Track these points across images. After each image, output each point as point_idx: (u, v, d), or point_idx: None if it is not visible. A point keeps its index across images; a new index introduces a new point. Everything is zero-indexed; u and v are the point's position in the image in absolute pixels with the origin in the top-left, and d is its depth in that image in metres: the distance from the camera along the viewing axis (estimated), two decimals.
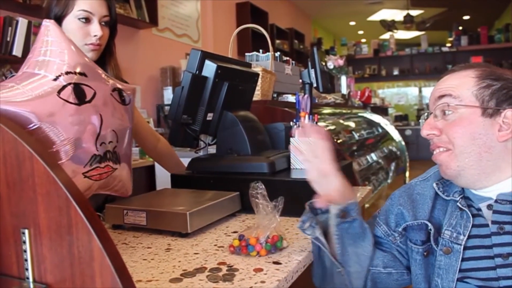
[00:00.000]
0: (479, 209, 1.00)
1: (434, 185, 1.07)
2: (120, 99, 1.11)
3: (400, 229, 1.06)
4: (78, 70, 1.00)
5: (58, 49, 1.00)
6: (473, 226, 0.98)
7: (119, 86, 1.13)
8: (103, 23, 1.44)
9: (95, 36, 1.41)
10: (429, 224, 1.03)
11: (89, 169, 1.01)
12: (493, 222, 0.96)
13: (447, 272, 0.98)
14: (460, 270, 0.96)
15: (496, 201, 0.98)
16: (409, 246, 1.06)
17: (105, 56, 1.53)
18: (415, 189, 1.11)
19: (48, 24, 1.01)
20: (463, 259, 0.97)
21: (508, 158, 0.99)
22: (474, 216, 0.99)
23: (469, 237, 0.97)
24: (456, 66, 1.09)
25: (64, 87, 0.96)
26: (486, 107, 0.98)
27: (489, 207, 0.99)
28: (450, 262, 0.98)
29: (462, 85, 1.01)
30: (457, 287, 0.96)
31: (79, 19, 1.40)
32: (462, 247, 0.97)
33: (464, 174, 0.99)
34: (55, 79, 0.97)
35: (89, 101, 1.00)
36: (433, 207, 1.06)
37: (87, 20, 1.41)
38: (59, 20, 1.42)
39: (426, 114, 1.09)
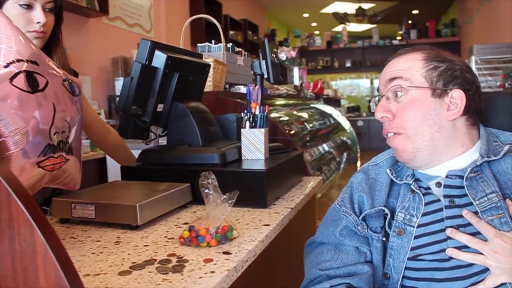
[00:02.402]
0: (428, 188, 1.05)
1: (388, 171, 1.10)
2: (71, 90, 1.09)
3: (360, 218, 1.08)
4: (28, 58, 0.97)
5: (3, 36, 0.96)
6: (425, 204, 1.02)
7: (68, 77, 1.10)
8: (47, 10, 1.39)
9: (38, 23, 1.36)
10: (386, 209, 1.05)
11: (43, 158, 0.99)
12: (445, 196, 1.01)
13: (398, 253, 1.01)
14: (412, 249, 1.00)
15: (446, 176, 1.03)
16: (369, 235, 1.07)
17: (50, 45, 1.48)
18: (370, 174, 1.14)
19: None
20: (415, 237, 1.00)
21: (457, 137, 1.04)
22: (424, 195, 1.03)
23: (421, 216, 1.02)
24: (401, 49, 1.13)
25: (16, 74, 0.93)
26: (435, 88, 1.03)
27: (438, 184, 1.04)
28: (402, 243, 1.02)
29: (411, 68, 1.05)
30: (411, 266, 1.00)
31: (20, 5, 1.34)
32: (415, 229, 1.01)
33: (419, 156, 1.04)
34: (6, 66, 0.93)
35: (42, 90, 0.97)
36: (389, 193, 1.09)
37: (29, 7, 1.35)
38: (0, 5, 1.35)
39: (377, 97, 1.13)
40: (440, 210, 1.01)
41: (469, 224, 0.97)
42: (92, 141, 1.81)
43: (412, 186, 1.05)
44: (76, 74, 1.65)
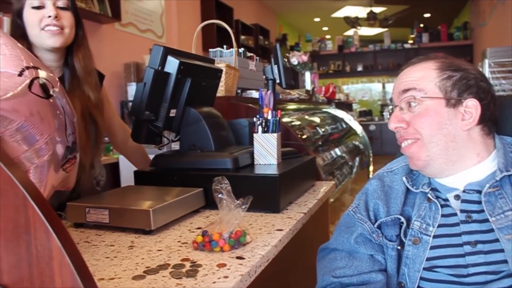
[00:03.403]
0: (446, 200, 1.04)
1: (404, 179, 1.09)
2: (64, 90, 1.10)
3: (375, 226, 1.07)
4: (32, 64, 0.97)
5: (3, 45, 0.96)
6: (442, 216, 1.01)
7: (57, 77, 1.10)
8: (59, 7, 1.44)
9: (49, 17, 1.41)
10: (402, 218, 1.04)
11: (65, 161, 1.00)
12: (462, 211, 1.00)
13: (414, 262, 1.00)
14: (428, 259, 0.99)
15: (464, 191, 1.01)
16: (384, 243, 1.06)
17: (72, 46, 1.51)
18: (385, 181, 1.12)
19: None
20: (431, 248, 0.99)
21: (472, 147, 1.03)
22: (442, 206, 1.02)
23: (437, 226, 1.00)
24: (415, 58, 1.12)
25: (31, 82, 0.94)
26: (449, 98, 1.01)
27: (456, 197, 1.02)
28: (417, 252, 1.00)
29: (425, 77, 1.04)
30: (427, 277, 0.99)
31: (32, 7, 1.42)
32: (431, 238, 1.00)
33: (433, 164, 1.03)
34: (19, 75, 0.93)
35: (52, 95, 0.98)
36: (405, 201, 1.08)
37: (41, 7, 1.42)
38: (20, 15, 1.43)
39: (390, 107, 1.12)
40: (457, 224, 1.00)
41: (488, 241, 0.96)
42: (113, 145, 1.84)
43: (428, 195, 1.04)
44: (101, 76, 1.68)
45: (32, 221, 0.62)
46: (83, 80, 1.52)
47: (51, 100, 0.97)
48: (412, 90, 1.04)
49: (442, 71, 1.03)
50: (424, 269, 0.99)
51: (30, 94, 0.92)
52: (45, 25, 1.41)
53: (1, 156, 0.64)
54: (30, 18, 1.42)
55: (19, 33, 1.44)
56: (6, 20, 3.09)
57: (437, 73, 1.03)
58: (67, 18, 1.46)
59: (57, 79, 1.05)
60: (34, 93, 0.93)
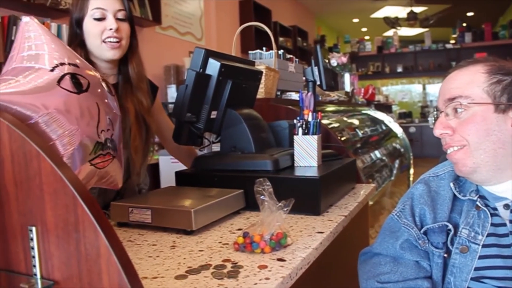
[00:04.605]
0: (495, 208, 1.00)
1: (451, 185, 1.06)
2: (108, 89, 1.12)
3: (421, 232, 1.05)
4: (67, 61, 1.00)
5: (42, 43, 0.99)
6: (491, 224, 0.98)
7: (104, 77, 1.13)
8: (119, 18, 1.48)
9: (110, 29, 1.45)
10: (449, 225, 1.02)
11: (94, 156, 1.02)
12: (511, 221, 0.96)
13: (461, 271, 0.97)
14: (476, 269, 0.96)
15: None
16: (430, 250, 1.04)
17: (127, 54, 1.55)
18: (431, 186, 1.09)
19: (27, 20, 1.00)
20: (479, 257, 0.96)
21: None
22: (491, 215, 0.98)
23: (486, 235, 0.97)
24: (463, 61, 1.07)
25: (62, 77, 0.97)
26: (499, 103, 0.97)
27: (506, 206, 0.99)
28: (465, 261, 0.97)
29: (472, 83, 1.00)
30: (473, 287, 0.96)
31: (94, 18, 1.45)
32: (480, 247, 0.96)
33: (480, 171, 0.99)
34: (51, 70, 0.96)
35: (86, 90, 1.01)
36: (452, 208, 1.05)
37: (102, 19, 1.45)
38: (80, 24, 1.47)
39: (435, 113, 1.08)
40: (507, 235, 0.96)
41: None
42: (167, 150, 1.90)
43: (477, 203, 1.00)
44: (155, 88, 1.72)
45: (81, 220, 0.64)
46: (136, 86, 1.58)
47: (83, 96, 1.00)
48: (458, 98, 1.00)
49: (492, 75, 0.99)
50: (472, 279, 0.96)
51: (58, 88, 0.95)
52: (106, 37, 1.46)
53: (52, 156, 0.66)
54: (92, 29, 1.46)
55: (77, 42, 1.48)
56: (54, 26, 3.20)
57: (486, 77, 0.99)
58: (125, 29, 1.51)
59: (102, 82, 1.08)
60: (63, 87, 0.95)
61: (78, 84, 0.99)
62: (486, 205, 1.00)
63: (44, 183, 0.66)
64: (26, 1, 3.19)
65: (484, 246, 0.97)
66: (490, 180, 1.00)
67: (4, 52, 3.02)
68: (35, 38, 0.99)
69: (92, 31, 1.45)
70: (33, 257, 0.68)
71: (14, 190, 0.69)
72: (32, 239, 0.68)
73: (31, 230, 0.68)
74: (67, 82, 0.97)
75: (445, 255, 1.02)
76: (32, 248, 0.68)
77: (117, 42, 1.47)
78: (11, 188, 0.69)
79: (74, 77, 0.99)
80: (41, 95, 0.91)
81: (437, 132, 1.03)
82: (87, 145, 0.99)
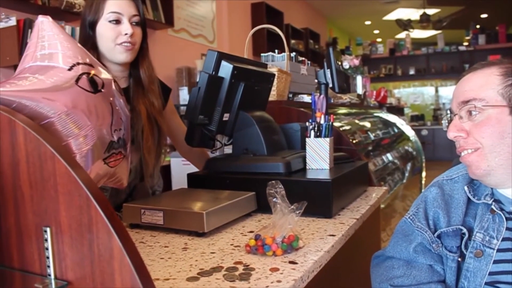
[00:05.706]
0: (510, 213, 0.99)
1: (466, 188, 1.05)
2: (119, 90, 1.13)
3: (435, 236, 1.04)
4: (82, 60, 1.01)
5: (57, 42, 0.99)
6: (506, 229, 0.96)
7: (115, 78, 1.14)
8: (133, 23, 1.49)
9: (126, 34, 1.46)
10: (464, 229, 1.00)
11: (107, 155, 1.03)
12: None
13: (475, 276, 0.96)
14: (490, 273, 0.95)
15: None
16: (444, 254, 1.03)
17: (138, 57, 1.56)
18: (445, 189, 1.08)
19: (42, 20, 1.00)
20: (494, 262, 0.95)
21: None
22: (506, 219, 0.97)
23: (501, 240, 0.96)
24: (477, 64, 1.06)
25: (80, 76, 0.97)
26: None
27: None
28: (479, 266, 0.96)
29: (487, 85, 0.99)
30: None
31: (109, 21, 1.46)
32: (495, 251, 0.95)
33: (494, 174, 0.98)
34: (69, 69, 0.97)
35: (101, 90, 1.02)
36: (466, 211, 1.04)
37: (117, 22, 1.46)
38: (93, 27, 1.48)
39: (449, 115, 1.07)
40: None
41: None
42: (179, 153, 1.91)
43: (492, 207, 0.99)
44: (168, 90, 1.73)
45: (94, 221, 0.65)
46: (147, 89, 1.59)
47: (99, 95, 1.00)
48: (472, 101, 0.99)
49: (507, 77, 0.98)
50: (486, 283, 0.94)
51: (76, 87, 0.96)
52: (122, 42, 1.46)
53: (66, 157, 0.67)
54: (106, 32, 1.47)
55: (89, 44, 1.49)
56: (68, 29, 3.23)
57: (501, 79, 0.98)
58: (139, 34, 1.52)
59: (113, 82, 1.09)
60: (81, 87, 0.96)
61: (95, 84, 1.00)
62: (501, 209, 0.99)
63: (58, 184, 0.67)
64: (41, 4, 3.22)
65: (499, 250, 0.95)
66: (504, 183, 0.99)
67: (19, 54, 3.05)
68: (49, 37, 1.00)
69: (106, 34, 1.46)
70: (47, 257, 0.69)
71: (29, 191, 0.70)
72: (46, 240, 0.68)
73: (45, 231, 0.68)
74: (84, 81, 0.98)
75: (459, 259, 1.01)
76: (47, 248, 0.68)
77: (131, 46, 1.48)
78: (26, 189, 0.70)
79: (90, 76, 1.00)
80: (61, 93, 0.92)
81: (451, 134, 1.02)
82: (102, 143, 1.00)
